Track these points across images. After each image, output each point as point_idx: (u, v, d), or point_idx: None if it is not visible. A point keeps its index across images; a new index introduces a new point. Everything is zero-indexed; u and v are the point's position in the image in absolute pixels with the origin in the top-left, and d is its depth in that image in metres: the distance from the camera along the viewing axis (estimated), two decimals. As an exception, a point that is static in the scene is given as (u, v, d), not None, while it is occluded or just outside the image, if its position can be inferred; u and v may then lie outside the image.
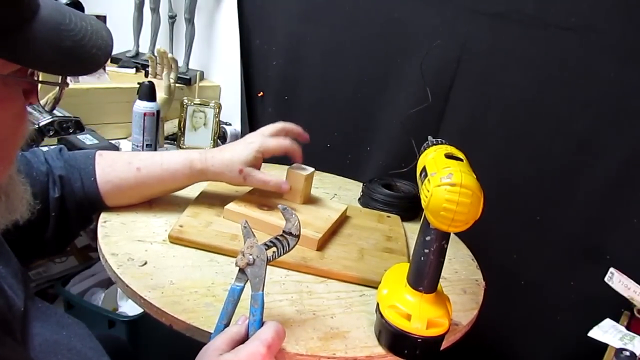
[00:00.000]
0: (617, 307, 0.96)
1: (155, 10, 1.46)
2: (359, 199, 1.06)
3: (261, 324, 0.53)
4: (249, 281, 0.55)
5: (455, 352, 0.68)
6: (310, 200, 0.89)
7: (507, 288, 1.15)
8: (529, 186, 1.12)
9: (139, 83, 1.17)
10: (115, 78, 1.35)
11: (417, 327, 0.56)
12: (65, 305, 1.34)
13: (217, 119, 1.35)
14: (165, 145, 1.35)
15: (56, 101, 0.50)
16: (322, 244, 0.78)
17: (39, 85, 0.47)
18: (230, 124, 1.51)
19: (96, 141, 1.12)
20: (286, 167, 0.88)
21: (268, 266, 0.55)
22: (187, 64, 1.50)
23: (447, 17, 1.14)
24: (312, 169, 0.88)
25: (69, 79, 0.48)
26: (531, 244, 1.14)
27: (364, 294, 0.70)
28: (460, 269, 0.84)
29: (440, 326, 0.57)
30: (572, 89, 1.04)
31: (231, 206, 0.81)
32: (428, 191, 0.52)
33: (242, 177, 0.79)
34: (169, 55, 1.24)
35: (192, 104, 1.34)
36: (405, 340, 0.57)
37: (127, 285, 0.63)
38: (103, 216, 0.77)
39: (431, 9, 1.16)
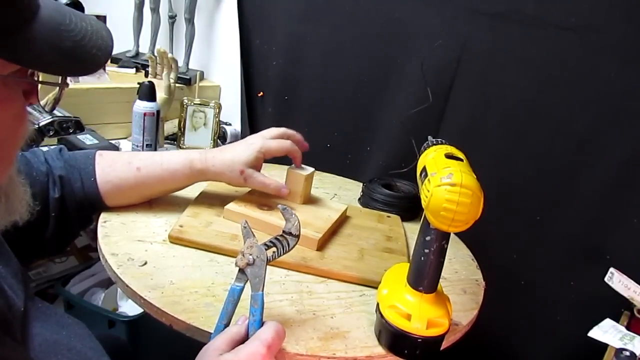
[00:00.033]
0: (617, 307, 0.96)
1: (155, 10, 1.46)
2: (359, 199, 1.06)
3: (261, 324, 0.53)
4: (248, 281, 0.55)
5: (455, 352, 0.68)
6: (310, 200, 0.89)
7: (507, 288, 1.15)
8: (529, 186, 1.12)
9: (139, 83, 1.17)
10: (115, 78, 1.35)
11: (417, 327, 0.56)
12: (65, 305, 1.34)
13: (217, 119, 1.35)
14: (165, 145, 1.35)
15: (56, 101, 0.50)
16: (322, 244, 0.78)
17: (39, 85, 0.47)
18: (230, 124, 1.51)
19: (96, 141, 1.12)
20: (286, 167, 0.88)
21: (268, 266, 0.55)
22: (187, 64, 1.50)
23: (447, 17, 1.14)
24: (312, 169, 0.88)
25: (68, 79, 0.48)
26: (531, 244, 1.14)
27: (364, 294, 0.70)
28: (460, 269, 0.84)
29: (441, 326, 0.57)
30: (572, 89, 1.04)
31: (231, 206, 0.81)
32: (428, 191, 0.52)
33: (243, 178, 0.80)
34: (169, 55, 1.24)
35: (192, 104, 1.34)
36: (406, 340, 0.57)
37: (127, 285, 0.63)
38: (103, 216, 0.77)
39: (431, 9, 1.16)
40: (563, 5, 1.01)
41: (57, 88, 0.49)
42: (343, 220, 0.89)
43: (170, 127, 1.38)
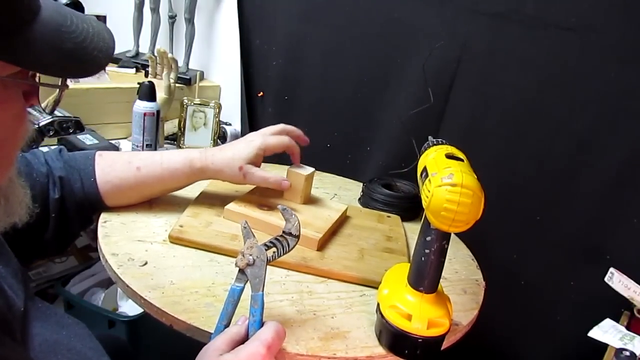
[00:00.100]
0: (617, 307, 0.96)
1: (155, 10, 1.46)
2: (359, 199, 1.06)
3: (261, 324, 0.53)
4: (249, 282, 0.55)
5: (455, 352, 0.68)
6: (310, 200, 0.89)
7: (507, 288, 1.15)
8: (529, 186, 1.12)
9: (139, 83, 1.17)
10: (115, 78, 1.35)
11: (417, 327, 0.56)
12: (65, 305, 1.34)
13: (217, 119, 1.35)
14: (165, 145, 1.35)
15: (56, 103, 0.50)
16: (323, 244, 0.78)
17: (40, 87, 0.47)
18: (230, 124, 1.51)
19: (96, 141, 1.12)
20: (286, 167, 0.88)
21: (268, 266, 0.55)
22: (187, 64, 1.50)
23: (447, 17, 1.14)
24: (312, 169, 0.88)
25: (68, 80, 0.48)
26: (531, 244, 1.14)
27: (364, 294, 0.70)
28: (461, 269, 0.84)
29: (441, 326, 0.57)
30: (572, 89, 1.04)
31: (231, 206, 0.81)
32: (429, 191, 0.52)
33: (242, 174, 0.79)
34: (169, 55, 1.24)
35: (192, 104, 1.34)
36: (406, 340, 0.57)
37: (128, 286, 0.63)
38: (103, 216, 0.77)
39: (431, 9, 1.16)
40: (563, 5, 1.01)
41: (58, 90, 0.49)
42: (343, 220, 0.89)
43: (170, 127, 1.38)
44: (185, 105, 1.33)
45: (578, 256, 1.08)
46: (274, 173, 0.82)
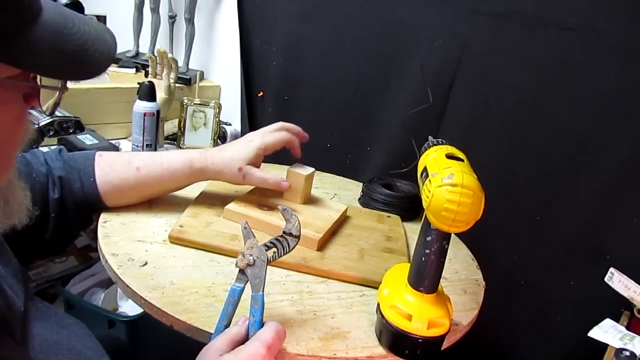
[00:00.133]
0: (617, 307, 0.96)
1: (155, 10, 1.46)
2: (359, 199, 1.06)
3: (261, 324, 0.53)
4: (249, 282, 0.55)
5: (455, 352, 0.68)
6: (310, 200, 0.89)
7: (507, 288, 1.15)
8: (529, 186, 1.12)
9: (139, 83, 1.17)
10: (115, 78, 1.35)
11: (417, 327, 0.56)
12: (65, 305, 1.34)
13: (217, 119, 1.35)
14: (165, 145, 1.35)
15: (55, 105, 0.50)
16: (323, 244, 0.78)
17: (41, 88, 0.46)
18: (230, 124, 1.51)
19: (96, 141, 1.12)
20: (286, 167, 0.88)
21: (268, 266, 0.55)
22: (187, 64, 1.50)
23: (447, 17, 1.14)
24: (312, 169, 0.88)
25: (69, 81, 0.48)
26: (531, 244, 1.14)
27: (364, 294, 0.70)
28: (461, 269, 0.84)
29: (441, 326, 0.57)
30: (572, 89, 1.03)
31: (231, 206, 0.81)
32: (429, 191, 0.52)
33: (242, 175, 0.79)
34: (169, 55, 1.24)
35: (192, 104, 1.34)
36: (406, 340, 0.57)
37: (128, 286, 0.63)
38: (103, 216, 0.77)
39: (431, 9, 1.16)
40: (563, 5, 1.01)
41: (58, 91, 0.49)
42: (343, 220, 0.89)
43: (170, 127, 1.38)
44: (185, 105, 1.33)
45: (578, 256, 1.08)
46: (273, 174, 0.82)
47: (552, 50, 1.04)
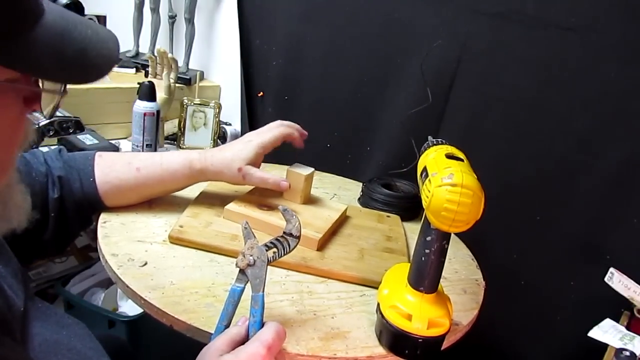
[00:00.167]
0: (617, 307, 0.96)
1: (155, 10, 1.46)
2: (359, 199, 1.06)
3: (261, 324, 0.53)
4: (249, 282, 0.55)
5: (455, 352, 0.68)
6: (310, 200, 0.89)
7: (507, 288, 1.15)
8: (529, 186, 1.12)
9: (139, 83, 1.17)
10: (115, 78, 1.35)
11: (418, 327, 0.56)
12: (65, 305, 1.34)
13: (217, 119, 1.35)
14: (165, 145, 1.35)
15: (54, 109, 0.49)
16: (322, 244, 0.78)
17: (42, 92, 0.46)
18: (230, 124, 1.51)
19: (96, 141, 1.12)
20: (286, 167, 0.88)
21: (268, 267, 0.55)
22: (187, 64, 1.50)
23: (447, 17, 1.14)
24: (312, 169, 0.88)
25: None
26: (531, 244, 1.14)
27: (364, 294, 0.70)
28: (460, 268, 0.84)
29: (441, 326, 0.57)
30: (572, 89, 1.04)
31: (231, 206, 0.81)
32: (429, 191, 0.52)
33: (241, 175, 0.79)
34: (169, 55, 1.24)
35: (192, 104, 1.34)
36: (406, 340, 0.57)
37: (128, 286, 0.63)
38: (103, 217, 0.77)
39: (431, 9, 1.16)
40: (563, 5, 1.01)
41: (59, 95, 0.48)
42: (343, 220, 0.89)
43: (170, 127, 1.38)
44: (185, 105, 1.33)
45: (578, 256, 1.08)
46: (273, 173, 0.82)
47: (552, 50, 1.04)
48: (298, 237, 0.56)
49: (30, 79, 0.43)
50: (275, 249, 0.56)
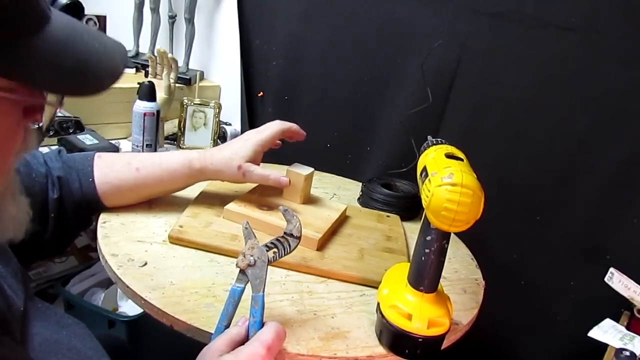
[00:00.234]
0: (617, 307, 0.96)
1: (155, 10, 1.46)
2: (359, 199, 1.06)
3: (261, 325, 0.53)
4: (249, 282, 0.55)
5: (455, 351, 0.68)
6: (310, 200, 0.89)
7: (507, 288, 1.15)
8: (529, 186, 1.12)
9: (139, 83, 1.17)
10: (115, 78, 1.35)
11: (418, 326, 0.56)
12: (65, 305, 1.34)
13: (217, 119, 1.35)
14: (165, 145, 1.35)
15: (50, 120, 0.48)
16: (322, 244, 0.78)
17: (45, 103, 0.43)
18: (230, 124, 1.51)
19: (96, 141, 1.12)
20: (285, 167, 0.88)
21: (268, 267, 0.55)
22: (187, 64, 1.50)
23: (447, 17, 1.14)
24: (312, 169, 0.88)
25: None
26: (531, 244, 1.14)
27: (364, 294, 0.70)
28: (460, 268, 0.84)
29: (441, 326, 0.57)
30: (572, 89, 1.04)
31: (231, 206, 0.81)
32: (429, 191, 0.52)
33: (241, 173, 0.79)
34: (169, 55, 1.24)
35: (192, 104, 1.34)
36: (406, 340, 0.57)
37: (128, 286, 0.63)
38: (102, 217, 0.77)
39: (431, 9, 1.16)
40: (563, 5, 1.01)
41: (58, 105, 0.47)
42: (343, 220, 0.89)
43: (170, 127, 1.38)
44: (185, 105, 1.33)
45: (578, 256, 1.08)
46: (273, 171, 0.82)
47: (552, 50, 1.04)
48: (299, 238, 0.56)
49: (29, 89, 0.41)
50: (275, 249, 0.56)
